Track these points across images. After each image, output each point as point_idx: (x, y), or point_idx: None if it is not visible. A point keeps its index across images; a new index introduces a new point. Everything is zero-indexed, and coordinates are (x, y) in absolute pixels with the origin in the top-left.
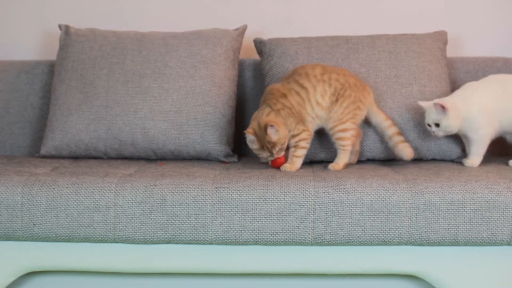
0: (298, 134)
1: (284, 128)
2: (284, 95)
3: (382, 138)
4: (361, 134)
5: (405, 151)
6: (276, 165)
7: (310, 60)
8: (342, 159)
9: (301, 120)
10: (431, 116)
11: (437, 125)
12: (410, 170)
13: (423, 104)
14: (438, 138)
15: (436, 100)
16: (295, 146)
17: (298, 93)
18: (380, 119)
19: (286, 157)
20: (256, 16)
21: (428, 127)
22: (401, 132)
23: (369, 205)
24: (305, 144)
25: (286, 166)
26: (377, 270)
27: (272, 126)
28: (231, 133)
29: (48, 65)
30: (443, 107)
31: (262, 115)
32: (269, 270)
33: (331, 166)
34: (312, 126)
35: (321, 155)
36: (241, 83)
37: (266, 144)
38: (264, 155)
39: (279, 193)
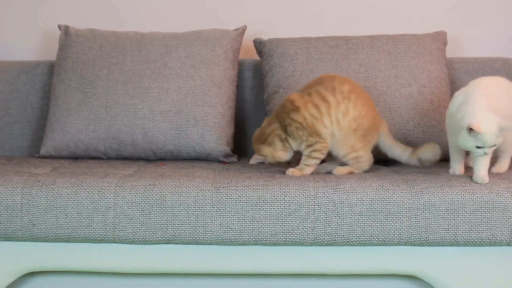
0: (311, 145)
1: (269, 147)
2: (297, 109)
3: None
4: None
5: (430, 146)
6: None
7: (310, 61)
8: (348, 168)
9: (315, 133)
10: (464, 137)
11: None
12: (410, 171)
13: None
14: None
15: (473, 122)
16: (308, 156)
17: (317, 106)
18: (398, 151)
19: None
20: (256, 17)
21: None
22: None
23: (368, 205)
24: (318, 155)
25: (294, 171)
26: (377, 270)
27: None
28: (230, 134)
29: (47, 65)
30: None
31: (263, 127)
32: (269, 271)
33: (335, 170)
34: (328, 141)
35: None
36: (240, 84)
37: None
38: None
39: (278, 194)
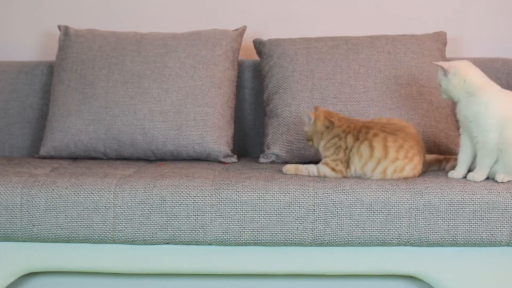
0: (333, 160)
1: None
2: (357, 136)
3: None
4: None
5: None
6: None
7: (310, 61)
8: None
9: (345, 161)
10: (437, 76)
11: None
12: None
13: (439, 63)
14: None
15: (441, 62)
16: (324, 163)
17: (372, 148)
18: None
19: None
20: (256, 17)
21: None
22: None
23: (368, 205)
24: (329, 171)
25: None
26: (376, 270)
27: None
28: (230, 134)
29: (47, 65)
30: (444, 69)
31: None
32: (269, 271)
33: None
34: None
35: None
36: (240, 84)
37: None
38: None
39: (278, 194)
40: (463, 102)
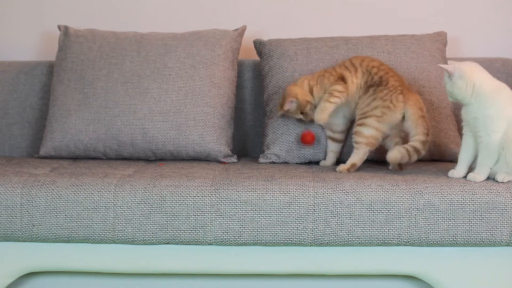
0: (333, 87)
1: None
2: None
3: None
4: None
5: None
6: (304, 141)
7: (309, 61)
8: (351, 159)
9: (340, 78)
10: (444, 78)
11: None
12: (409, 171)
13: (443, 66)
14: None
15: (446, 65)
16: (330, 93)
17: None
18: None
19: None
20: (256, 17)
21: None
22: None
23: (368, 205)
24: (338, 94)
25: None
26: (376, 270)
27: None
28: (230, 134)
29: (47, 65)
30: (448, 72)
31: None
32: (269, 271)
33: (337, 167)
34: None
35: (320, 156)
36: (240, 84)
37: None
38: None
39: (278, 194)
40: (474, 104)
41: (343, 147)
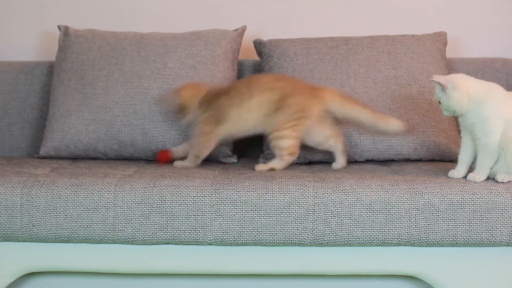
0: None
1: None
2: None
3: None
4: (340, 133)
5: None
6: (160, 159)
7: (309, 61)
8: (273, 163)
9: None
10: (435, 93)
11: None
12: (409, 171)
13: (436, 79)
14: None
15: (435, 77)
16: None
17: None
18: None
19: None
20: (256, 17)
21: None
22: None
23: (368, 206)
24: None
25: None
26: (376, 271)
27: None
28: None
29: (47, 65)
30: (441, 84)
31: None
32: (269, 271)
33: (256, 166)
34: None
35: (320, 156)
36: None
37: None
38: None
39: (278, 194)
40: (471, 111)
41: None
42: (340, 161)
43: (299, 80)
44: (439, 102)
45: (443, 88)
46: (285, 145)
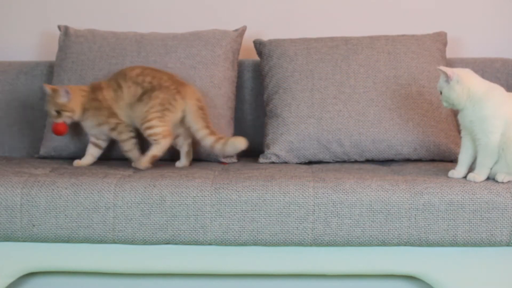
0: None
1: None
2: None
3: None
4: (190, 135)
5: (237, 140)
6: (56, 131)
7: (309, 61)
8: (152, 150)
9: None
10: (439, 82)
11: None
12: (409, 171)
13: (443, 69)
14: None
15: (443, 67)
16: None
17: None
18: (197, 127)
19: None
20: (256, 17)
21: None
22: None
23: (368, 205)
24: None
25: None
26: (376, 271)
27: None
28: (230, 134)
29: (47, 66)
30: (447, 75)
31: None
32: (269, 271)
33: (136, 164)
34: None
35: (320, 156)
36: (240, 84)
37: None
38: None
39: (278, 194)
40: (469, 108)
41: (101, 154)
42: (183, 161)
43: (167, 72)
44: (440, 93)
45: (447, 79)
46: (158, 130)
